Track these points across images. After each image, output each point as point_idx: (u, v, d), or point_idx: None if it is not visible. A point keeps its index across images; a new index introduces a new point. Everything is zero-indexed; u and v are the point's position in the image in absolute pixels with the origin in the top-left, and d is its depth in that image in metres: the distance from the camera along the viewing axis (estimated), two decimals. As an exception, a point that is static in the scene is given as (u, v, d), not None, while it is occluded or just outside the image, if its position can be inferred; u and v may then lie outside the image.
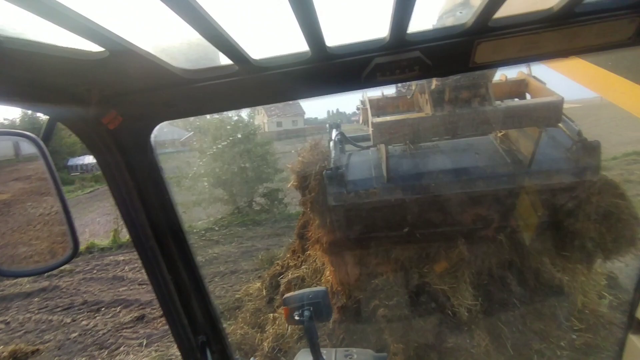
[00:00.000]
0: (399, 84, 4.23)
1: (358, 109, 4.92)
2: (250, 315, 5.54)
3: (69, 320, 6.89)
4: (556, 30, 0.92)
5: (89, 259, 9.80)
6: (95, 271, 9.04)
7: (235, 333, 5.14)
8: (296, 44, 0.89)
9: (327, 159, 3.85)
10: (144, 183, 1.19)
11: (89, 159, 28.88)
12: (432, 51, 0.94)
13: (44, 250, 1.05)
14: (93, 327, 6.57)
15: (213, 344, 1.47)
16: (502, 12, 0.86)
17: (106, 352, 5.79)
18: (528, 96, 3.75)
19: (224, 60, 0.92)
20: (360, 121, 4.86)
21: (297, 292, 1.63)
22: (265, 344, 4.75)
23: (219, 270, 8.09)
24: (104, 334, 6.31)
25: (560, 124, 3.31)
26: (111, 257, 9.83)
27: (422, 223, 3.78)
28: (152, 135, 1.14)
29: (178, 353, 1.43)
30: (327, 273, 4.72)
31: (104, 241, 10.81)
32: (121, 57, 0.82)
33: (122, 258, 9.58)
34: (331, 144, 4.36)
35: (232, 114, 12.94)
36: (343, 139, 4.65)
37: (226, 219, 11.86)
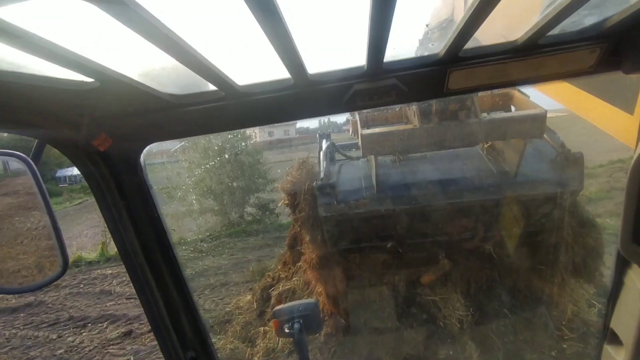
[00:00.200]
0: None
1: (348, 120, 4.95)
2: (240, 329, 5.45)
3: (54, 336, 6.70)
4: (522, 60, 0.98)
5: (75, 272, 9.57)
6: (82, 285, 8.82)
7: (225, 348, 5.04)
8: (280, 70, 0.92)
9: (314, 177, 3.87)
10: (134, 202, 1.22)
11: (77, 170, 28.45)
12: (407, 79, 1.00)
13: (31, 264, 1.06)
14: (79, 343, 6.39)
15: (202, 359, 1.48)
16: (472, 44, 0.92)
17: (91, 370, 5.62)
18: (513, 108, 3.81)
19: (211, 86, 0.96)
20: (350, 132, 4.89)
21: (287, 305, 1.65)
22: (256, 359, 4.65)
23: (209, 282, 7.95)
24: (90, 350, 6.13)
25: (545, 135, 3.36)
26: (99, 270, 9.61)
27: (411, 233, 3.79)
28: (142, 156, 1.19)
29: (166, 370, 1.41)
30: (317, 287, 4.67)
31: (91, 254, 10.58)
32: (111, 86, 0.86)
33: (109, 272, 9.38)
34: (321, 154, 4.36)
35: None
36: (333, 150, 4.65)
37: (217, 230, 11.71)
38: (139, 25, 0.63)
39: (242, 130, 13.42)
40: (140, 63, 0.90)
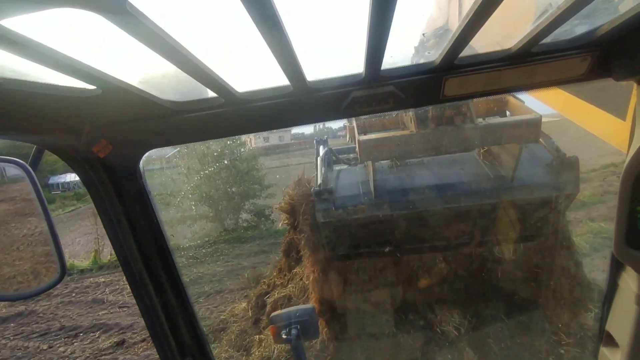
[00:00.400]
0: None
1: (345, 126, 4.96)
2: (235, 337, 5.38)
3: (45, 346, 6.57)
4: (516, 67, 1.01)
5: (67, 281, 9.42)
6: (74, 294, 8.68)
7: (220, 356, 4.98)
8: (278, 77, 0.94)
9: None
10: (133, 208, 1.23)
11: (70, 177, 28.23)
12: (404, 86, 1.02)
13: (27, 270, 1.06)
14: (70, 353, 6.26)
15: None
16: (467, 52, 0.94)
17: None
18: (508, 114, 3.85)
19: (211, 92, 0.98)
20: (347, 138, 4.90)
21: (284, 311, 1.65)
22: (251, 368, 4.60)
23: (204, 290, 7.88)
24: (81, 361, 6.02)
25: (540, 140, 3.40)
26: (91, 278, 9.48)
27: (408, 238, 3.80)
28: (141, 162, 1.20)
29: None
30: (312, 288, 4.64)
31: (84, 262, 10.44)
32: (113, 93, 0.87)
33: (102, 280, 9.25)
34: (318, 159, 4.37)
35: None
36: (331, 156, 4.66)
37: (212, 237, 11.64)
38: (141, 34, 0.63)
39: (237, 136, 13.46)
40: (142, 70, 0.91)
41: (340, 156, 4.79)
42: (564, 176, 3.41)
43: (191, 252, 10.43)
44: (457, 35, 0.85)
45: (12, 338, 6.97)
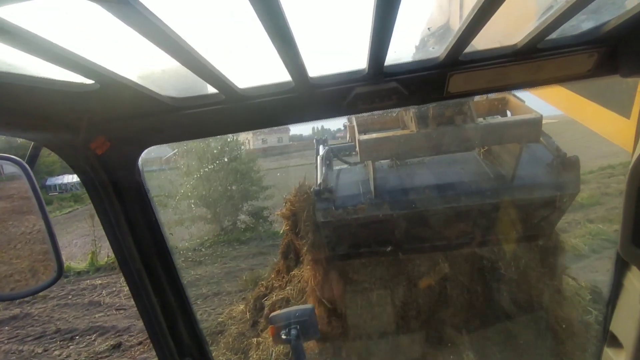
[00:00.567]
0: None
1: (345, 126, 4.96)
2: (233, 340, 5.35)
3: (40, 350, 6.50)
4: (521, 64, 0.99)
5: (64, 283, 9.34)
6: (70, 296, 8.61)
7: (218, 360, 4.93)
8: (280, 73, 0.92)
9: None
10: (132, 206, 1.21)
11: (68, 179, 28.11)
12: (408, 82, 1.01)
13: (24, 269, 1.05)
14: (66, 357, 6.21)
15: None
16: (472, 47, 0.93)
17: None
18: (509, 113, 3.85)
19: (211, 89, 0.96)
20: (348, 138, 4.89)
21: (283, 311, 1.64)
22: (249, 372, 4.56)
23: (202, 292, 7.84)
24: (77, 364, 5.97)
25: (541, 139, 3.40)
26: (88, 281, 9.41)
27: (409, 238, 3.79)
28: (140, 160, 1.18)
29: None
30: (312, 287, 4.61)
31: (81, 264, 10.36)
32: (111, 88, 0.85)
33: (99, 282, 9.18)
34: (318, 159, 4.35)
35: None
36: (331, 156, 4.64)
37: (210, 239, 11.60)
38: (142, 26, 0.61)
39: (235, 137, 13.47)
40: (141, 65, 0.90)
41: (339, 154, 4.78)
42: (564, 176, 3.41)
43: (189, 253, 10.39)
44: (462, 30, 0.83)
45: (6, 342, 6.89)
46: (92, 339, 6.64)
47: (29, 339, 6.91)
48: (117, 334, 6.64)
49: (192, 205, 12.03)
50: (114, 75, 0.79)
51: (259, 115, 1.07)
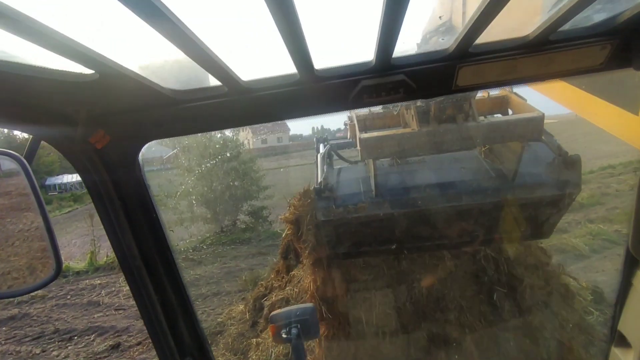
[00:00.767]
0: None
1: (345, 124, 4.94)
2: (232, 340, 5.33)
3: (38, 350, 6.46)
4: (533, 56, 0.98)
5: (63, 283, 9.30)
6: (69, 296, 8.57)
7: (217, 360, 4.90)
8: (285, 65, 0.90)
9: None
10: (131, 202, 1.19)
11: (67, 178, 28.10)
12: (416, 74, 0.98)
13: (22, 266, 1.03)
14: (64, 357, 6.17)
15: None
16: (482, 39, 0.91)
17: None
18: (510, 112, 3.84)
19: (214, 81, 0.94)
20: (348, 137, 4.87)
21: (284, 310, 1.63)
22: (248, 372, 4.54)
23: (201, 292, 7.81)
24: (75, 365, 5.94)
25: (543, 138, 3.38)
26: (87, 280, 9.37)
27: (410, 237, 3.78)
28: (140, 154, 1.15)
29: (155, 384, 1.34)
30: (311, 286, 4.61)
31: (80, 264, 10.32)
32: (111, 79, 0.82)
33: (98, 282, 9.14)
34: (319, 157, 4.33)
35: (217, 132, 12.86)
36: (331, 154, 4.62)
37: (210, 238, 11.58)
38: (146, 13, 0.59)
39: (235, 137, 13.48)
40: (142, 55, 0.87)
41: (339, 151, 4.76)
42: (566, 175, 3.39)
43: (188, 253, 10.36)
44: (473, 20, 0.81)
45: (3, 342, 6.85)
46: (91, 339, 6.60)
47: (27, 339, 6.87)
48: (116, 334, 6.60)
49: (192, 205, 12.02)
50: (115, 65, 0.77)
51: (263, 109, 1.04)
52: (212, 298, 7.53)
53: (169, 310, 1.32)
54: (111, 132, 1.04)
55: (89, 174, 1.09)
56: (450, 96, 3.24)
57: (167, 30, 0.65)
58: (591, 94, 2.04)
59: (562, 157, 3.41)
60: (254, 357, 4.73)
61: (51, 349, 6.45)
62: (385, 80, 0.98)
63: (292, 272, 5.47)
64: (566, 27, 0.91)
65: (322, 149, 4.47)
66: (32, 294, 8.39)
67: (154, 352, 1.36)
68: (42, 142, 1.02)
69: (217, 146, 12.39)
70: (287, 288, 5.45)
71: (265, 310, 5.39)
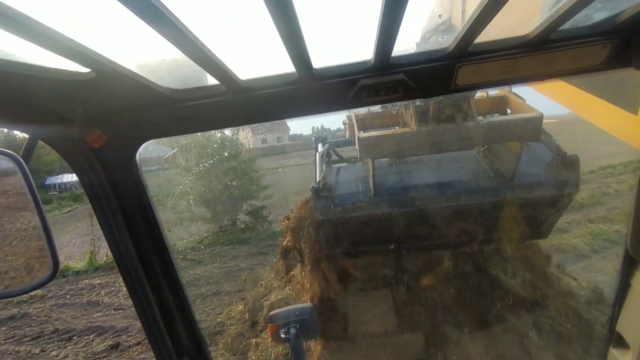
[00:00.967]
0: None
1: (344, 124, 4.95)
2: (232, 340, 5.32)
3: (37, 350, 6.44)
4: (533, 55, 0.97)
5: (62, 283, 9.29)
6: (68, 296, 8.55)
7: (216, 360, 4.90)
8: (283, 64, 0.90)
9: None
10: (128, 202, 1.18)
11: (67, 178, 28.07)
12: (415, 74, 0.98)
13: (20, 266, 1.02)
14: (63, 357, 6.15)
15: None
16: (482, 38, 0.90)
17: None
18: (509, 112, 3.84)
19: (212, 80, 0.93)
20: (347, 136, 4.87)
21: (283, 309, 1.62)
22: (248, 373, 4.54)
23: (201, 292, 7.79)
24: (74, 365, 5.93)
25: (542, 138, 3.38)
26: (86, 280, 9.35)
27: (408, 237, 3.78)
28: (138, 154, 1.15)
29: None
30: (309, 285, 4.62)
31: (79, 264, 10.31)
32: (108, 78, 0.82)
33: (98, 281, 9.13)
34: (317, 156, 4.33)
35: (216, 131, 12.85)
36: (330, 154, 4.62)
37: (209, 238, 11.56)
38: (143, 11, 0.59)
39: (235, 137, 13.47)
40: (139, 54, 0.87)
41: (337, 149, 4.76)
42: (564, 175, 3.39)
43: (188, 253, 10.35)
44: (473, 19, 0.80)
45: (2, 342, 6.83)
46: (90, 339, 6.59)
47: (27, 339, 6.85)
48: (116, 334, 6.59)
49: (192, 205, 12.01)
50: (112, 63, 0.76)
51: (261, 108, 1.04)
52: (212, 298, 7.51)
53: (166, 310, 1.31)
54: (108, 131, 1.04)
55: (86, 173, 1.09)
56: (449, 96, 3.24)
57: (165, 29, 0.65)
58: (591, 94, 2.04)
59: (561, 157, 3.41)
60: (253, 357, 4.73)
61: (50, 349, 6.43)
62: (384, 79, 0.98)
63: (292, 272, 5.47)
64: (566, 26, 0.90)
65: (320, 149, 4.47)
66: (32, 293, 8.39)
67: (153, 352, 1.35)
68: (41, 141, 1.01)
69: (216, 146, 12.38)
70: (287, 288, 5.46)
71: (265, 310, 5.39)
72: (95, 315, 7.46)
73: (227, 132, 13.22)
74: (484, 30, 0.86)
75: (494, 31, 0.92)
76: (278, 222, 11.11)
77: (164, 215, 11.01)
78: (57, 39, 0.62)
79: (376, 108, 4.44)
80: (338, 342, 4.06)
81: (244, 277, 7.91)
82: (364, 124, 4.15)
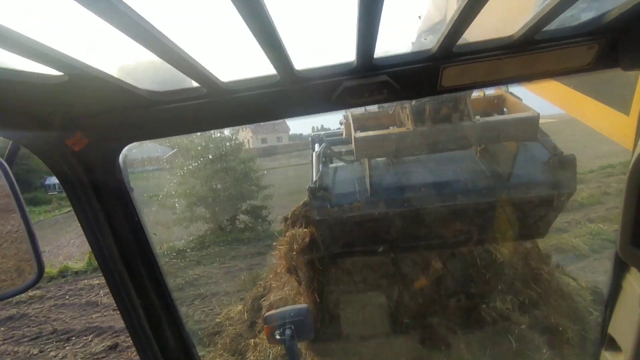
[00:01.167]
0: None
1: (341, 123, 4.93)
2: (230, 341, 5.31)
3: (36, 351, 6.45)
4: (518, 56, 0.95)
5: (61, 283, 9.31)
6: (67, 297, 8.57)
7: (214, 361, 4.90)
8: (266, 66, 0.89)
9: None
10: (112, 205, 1.17)
11: (67, 178, 28.04)
12: (399, 75, 0.97)
13: (10, 268, 1.02)
14: (62, 358, 6.16)
15: None
16: (466, 39, 0.89)
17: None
18: (506, 111, 3.83)
19: (193, 82, 0.92)
20: (344, 136, 4.87)
21: (278, 310, 1.62)
22: (246, 373, 4.53)
23: (199, 292, 7.79)
24: (72, 366, 5.93)
25: (538, 137, 3.38)
26: (85, 280, 9.37)
27: (405, 236, 3.78)
28: (121, 157, 1.13)
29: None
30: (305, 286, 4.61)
31: (78, 264, 10.33)
32: (81, 81, 0.80)
33: (97, 282, 9.14)
34: (314, 155, 4.33)
35: (215, 131, 12.83)
36: (327, 153, 4.61)
37: (208, 238, 11.55)
38: (113, 16, 0.57)
39: (234, 137, 13.46)
40: (113, 56, 0.86)
41: (334, 147, 4.76)
42: (561, 175, 3.38)
43: (187, 253, 10.35)
44: (454, 20, 0.79)
45: (1, 343, 6.85)
46: (89, 339, 6.60)
47: (25, 339, 6.87)
48: (114, 334, 6.60)
49: (191, 205, 12.00)
50: (84, 66, 0.75)
51: (243, 110, 1.03)
52: (211, 298, 7.51)
53: (152, 314, 1.30)
54: (89, 134, 1.02)
55: (67, 176, 1.08)
56: (446, 95, 3.23)
57: (135, 32, 0.64)
58: (583, 94, 2.02)
59: (558, 156, 3.40)
60: (251, 358, 4.72)
61: (49, 350, 6.44)
62: (367, 81, 0.96)
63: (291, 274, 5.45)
64: (552, 26, 0.89)
65: (317, 148, 4.46)
66: (31, 293, 8.41)
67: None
68: None
69: (214, 146, 12.37)
70: (286, 288, 5.44)
71: (264, 311, 5.38)
72: (94, 316, 7.47)
73: (227, 132, 13.23)
74: (469, 32, 0.84)
75: (479, 32, 0.91)
76: (278, 222, 11.10)
77: (163, 216, 11.02)
78: (23, 42, 0.61)
79: (373, 107, 4.43)
80: (332, 342, 4.07)
81: (243, 277, 7.90)
82: (360, 123, 4.14)
